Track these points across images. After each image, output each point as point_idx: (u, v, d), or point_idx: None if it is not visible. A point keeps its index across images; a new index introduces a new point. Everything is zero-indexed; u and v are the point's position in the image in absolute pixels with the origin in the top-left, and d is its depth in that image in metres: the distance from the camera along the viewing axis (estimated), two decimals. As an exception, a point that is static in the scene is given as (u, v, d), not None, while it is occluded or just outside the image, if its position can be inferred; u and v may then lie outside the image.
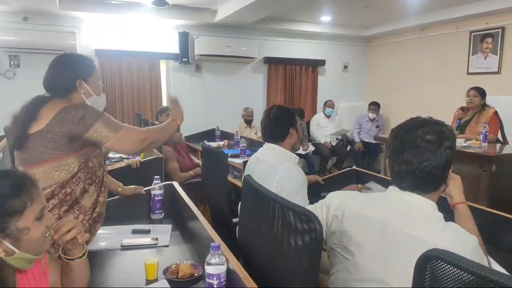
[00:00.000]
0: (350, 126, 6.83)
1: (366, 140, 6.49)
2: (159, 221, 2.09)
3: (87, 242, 1.69)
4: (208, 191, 2.75)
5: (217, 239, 1.37)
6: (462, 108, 4.02)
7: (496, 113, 3.88)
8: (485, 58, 5.35)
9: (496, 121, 3.84)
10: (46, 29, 5.32)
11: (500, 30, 5.16)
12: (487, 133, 3.66)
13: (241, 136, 4.72)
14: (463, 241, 1.08)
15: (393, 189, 1.25)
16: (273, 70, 6.90)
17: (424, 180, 1.16)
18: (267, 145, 2.10)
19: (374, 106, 6.65)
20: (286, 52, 6.92)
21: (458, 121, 3.99)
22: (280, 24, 6.43)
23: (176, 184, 2.27)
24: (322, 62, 7.17)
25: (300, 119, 2.13)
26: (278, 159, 1.97)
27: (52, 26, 5.38)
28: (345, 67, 7.57)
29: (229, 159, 3.94)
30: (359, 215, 1.26)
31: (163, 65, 6.28)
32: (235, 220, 2.28)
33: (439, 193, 1.23)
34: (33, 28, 5.29)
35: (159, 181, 2.13)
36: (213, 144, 4.97)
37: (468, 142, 3.67)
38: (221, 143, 5.00)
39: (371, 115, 6.63)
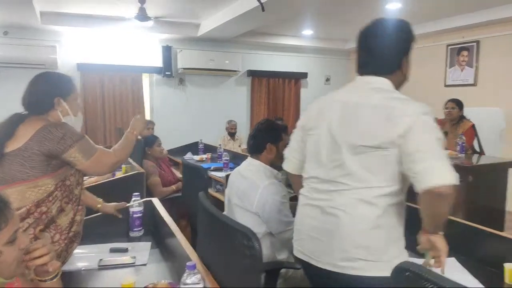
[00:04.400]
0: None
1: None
2: (139, 239, 2.07)
3: (63, 263, 1.67)
4: (188, 206, 2.74)
5: (194, 257, 1.37)
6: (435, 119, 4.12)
7: (473, 126, 3.98)
8: (462, 70, 5.51)
9: (472, 133, 3.95)
10: (26, 44, 5.28)
11: (475, 43, 5.33)
12: (464, 144, 3.76)
13: (224, 149, 4.72)
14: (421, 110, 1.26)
15: (357, 78, 1.46)
16: (256, 83, 6.96)
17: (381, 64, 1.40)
18: (249, 160, 2.11)
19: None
20: (269, 65, 7.00)
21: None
22: (263, 38, 6.51)
23: (156, 201, 2.25)
24: (304, 75, 7.27)
25: (286, 136, 2.13)
26: (259, 176, 1.97)
27: (33, 40, 5.34)
28: (327, 79, 7.68)
29: (212, 172, 3.94)
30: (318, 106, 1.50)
31: (146, 79, 6.27)
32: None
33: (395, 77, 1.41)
34: (14, 43, 5.24)
35: (138, 198, 2.12)
36: (196, 158, 4.96)
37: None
38: (204, 156, 4.99)
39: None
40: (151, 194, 3.38)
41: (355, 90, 1.44)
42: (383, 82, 1.39)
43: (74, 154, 1.56)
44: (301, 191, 1.52)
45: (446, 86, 5.73)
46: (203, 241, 1.60)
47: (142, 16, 4.33)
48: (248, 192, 1.94)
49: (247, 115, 7.01)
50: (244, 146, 6.26)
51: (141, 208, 2.09)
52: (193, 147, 5.57)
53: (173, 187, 3.57)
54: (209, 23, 5.52)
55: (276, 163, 2.03)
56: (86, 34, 5.65)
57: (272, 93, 7.11)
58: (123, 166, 3.57)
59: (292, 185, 1.73)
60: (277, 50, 6.97)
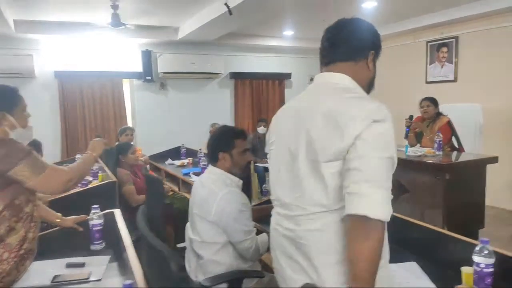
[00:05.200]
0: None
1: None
2: (99, 253, 2.02)
3: (14, 281, 1.63)
4: (150, 217, 2.70)
5: (138, 275, 1.33)
6: (410, 117, 4.11)
7: (449, 121, 3.97)
8: (442, 67, 5.51)
9: (448, 129, 3.93)
10: (2, 53, 5.20)
11: (454, 39, 5.33)
12: (441, 142, 3.74)
13: (204, 153, 4.67)
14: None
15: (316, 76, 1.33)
16: (239, 85, 6.93)
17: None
18: (210, 168, 2.07)
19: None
20: (252, 66, 6.97)
21: (407, 129, 4.09)
22: (244, 40, 6.48)
23: (117, 212, 2.21)
24: (288, 76, 7.25)
25: (243, 141, 2.07)
26: (217, 185, 1.93)
27: (8, 49, 5.28)
28: (311, 79, 7.60)
29: (191, 178, 3.91)
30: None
31: (126, 84, 6.21)
32: (181, 245, 2.24)
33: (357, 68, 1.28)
34: (-12, 52, 5.17)
35: (97, 210, 2.07)
36: (177, 163, 4.91)
37: (423, 151, 3.74)
38: (186, 161, 4.95)
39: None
40: (126, 202, 3.34)
41: (311, 93, 1.30)
42: (341, 79, 1.24)
43: (21, 172, 1.51)
44: (272, 211, 1.39)
45: (427, 82, 5.74)
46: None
47: (116, 22, 4.28)
48: (206, 201, 1.90)
49: (232, 118, 6.97)
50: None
51: (101, 221, 2.04)
52: (175, 152, 5.53)
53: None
54: (187, 26, 5.49)
55: (233, 171, 1.99)
56: (63, 42, 5.59)
57: (256, 94, 7.08)
58: (100, 174, 3.53)
59: None
60: (260, 51, 6.94)
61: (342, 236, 1.12)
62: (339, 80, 1.25)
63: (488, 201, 4.56)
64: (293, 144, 1.23)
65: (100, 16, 4.78)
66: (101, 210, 2.15)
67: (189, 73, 6.26)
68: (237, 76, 6.86)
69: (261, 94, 7.11)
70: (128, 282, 1.16)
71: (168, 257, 1.08)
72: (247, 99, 7.00)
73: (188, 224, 2.06)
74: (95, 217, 2.03)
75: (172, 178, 4.56)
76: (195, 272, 1.99)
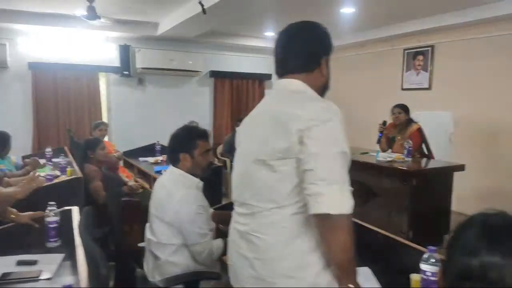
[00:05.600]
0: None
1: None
2: (54, 251, 1.98)
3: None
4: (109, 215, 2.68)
5: (83, 275, 1.31)
6: (384, 123, 4.19)
7: (419, 129, 4.05)
8: (417, 74, 5.61)
9: (418, 136, 4.01)
10: (-27, 41, 5.05)
11: (430, 48, 5.44)
12: (410, 148, 3.81)
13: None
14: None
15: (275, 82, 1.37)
16: (219, 84, 6.90)
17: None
18: (171, 169, 2.05)
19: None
20: (233, 66, 6.95)
21: (380, 134, 4.16)
22: (225, 39, 6.46)
23: (74, 210, 2.17)
24: (268, 76, 7.25)
25: (204, 142, 2.06)
26: (176, 185, 1.91)
27: (-20, 38, 5.12)
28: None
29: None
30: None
31: (103, 78, 6.11)
32: (142, 244, 2.22)
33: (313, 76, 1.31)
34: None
35: (54, 208, 2.02)
36: (151, 160, 4.86)
37: (393, 157, 3.80)
38: (160, 158, 4.89)
39: (317, 128, 6.75)
40: (93, 199, 3.28)
41: (269, 98, 1.38)
42: (297, 83, 1.28)
43: None
44: (232, 213, 1.42)
45: (403, 89, 5.83)
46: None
47: (91, 15, 4.20)
48: (163, 202, 1.89)
49: (210, 116, 6.94)
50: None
51: (57, 218, 1.99)
52: (150, 149, 5.46)
53: (117, 191, 3.46)
54: (167, 22, 5.43)
55: (194, 171, 1.98)
56: (38, 33, 5.46)
57: (236, 94, 7.07)
58: (68, 169, 3.46)
59: None
60: (241, 51, 6.93)
61: (291, 231, 1.18)
62: (292, 85, 1.30)
63: (456, 208, 4.67)
64: (249, 146, 1.30)
65: (76, 8, 4.68)
66: (67, 206, 2.11)
67: (168, 69, 6.20)
68: (217, 75, 6.83)
69: (241, 93, 7.10)
70: (68, 283, 1.13)
71: (97, 260, 1.06)
72: (227, 98, 6.98)
73: (147, 225, 2.04)
74: (51, 214, 1.98)
75: (145, 175, 4.51)
76: (152, 272, 1.97)
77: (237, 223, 1.34)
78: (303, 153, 1.11)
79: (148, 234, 2.00)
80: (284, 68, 1.33)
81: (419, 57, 5.59)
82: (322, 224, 1.10)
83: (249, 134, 1.33)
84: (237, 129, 1.46)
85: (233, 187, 1.38)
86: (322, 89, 1.36)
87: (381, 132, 4.20)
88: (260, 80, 7.23)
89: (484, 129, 4.75)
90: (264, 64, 7.23)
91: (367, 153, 4.26)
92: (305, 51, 1.31)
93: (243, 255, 1.28)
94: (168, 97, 6.50)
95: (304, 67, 1.30)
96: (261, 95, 7.27)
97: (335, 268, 1.16)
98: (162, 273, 1.89)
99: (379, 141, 4.26)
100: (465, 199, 4.83)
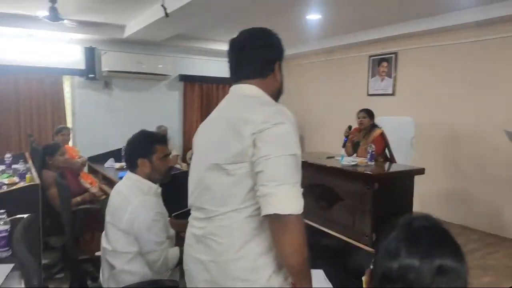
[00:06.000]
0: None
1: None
2: (3, 261, 1.90)
3: None
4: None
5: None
6: (349, 127, 4.28)
7: (382, 133, 4.15)
8: (382, 80, 5.77)
9: (381, 140, 4.12)
10: None
11: (394, 55, 5.60)
12: (373, 153, 3.90)
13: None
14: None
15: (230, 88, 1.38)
16: (189, 88, 6.85)
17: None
18: (128, 174, 2.01)
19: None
20: (202, 70, 6.92)
21: (345, 139, 4.25)
22: (195, 42, 6.42)
23: (29, 218, 2.09)
24: (238, 81, 7.26)
25: (163, 146, 2.04)
26: (132, 192, 1.88)
27: None
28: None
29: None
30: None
31: (67, 81, 5.94)
32: (99, 253, 2.16)
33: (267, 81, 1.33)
34: None
35: (4, 216, 1.95)
36: (117, 165, 4.75)
37: (356, 161, 3.88)
38: (125, 164, 4.79)
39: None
40: (51, 206, 3.17)
41: (224, 103, 1.37)
42: (251, 89, 1.30)
43: None
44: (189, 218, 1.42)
45: (368, 95, 5.98)
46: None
47: (54, 16, 4.08)
48: (119, 209, 1.84)
49: (180, 120, 6.87)
50: (175, 152, 6.13)
51: (7, 227, 1.91)
52: (116, 154, 5.34)
53: (78, 198, 3.37)
54: (133, 25, 5.35)
55: (153, 177, 1.95)
56: (-1, 33, 5.26)
57: (206, 98, 7.04)
58: (28, 176, 3.34)
59: None
60: (210, 55, 6.90)
61: (246, 234, 1.20)
62: (247, 90, 1.32)
63: (418, 209, 4.81)
64: (205, 151, 1.31)
65: (38, 9, 4.54)
66: (24, 214, 2.02)
67: (136, 73, 6.10)
68: (186, 79, 6.78)
69: (210, 98, 7.07)
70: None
71: (29, 272, 1.03)
72: (196, 103, 6.94)
73: (103, 233, 1.99)
74: (1, 223, 1.91)
75: (110, 181, 4.41)
76: (107, 282, 1.92)
77: (194, 227, 1.34)
78: (256, 156, 1.13)
79: (103, 243, 1.95)
80: (238, 75, 1.35)
81: (383, 64, 5.75)
82: (274, 225, 1.11)
83: (205, 140, 1.34)
84: (195, 135, 1.45)
85: (189, 192, 1.38)
86: (276, 94, 1.39)
87: (346, 136, 4.29)
88: (230, 84, 7.20)
89: (443, 134, 4.93)
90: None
91: (333, 157, 4.33)
92: (259, 57, 1.32)
93: (199, 259, 1.29)
94: (136, 101, 6.39)
95: (258, 73, 1.32)
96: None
97: (288, 272, 1.18)
98: (118, 282, 1.85)
99: (344, 146, 4.35)
100: (426, 201, 5.00)
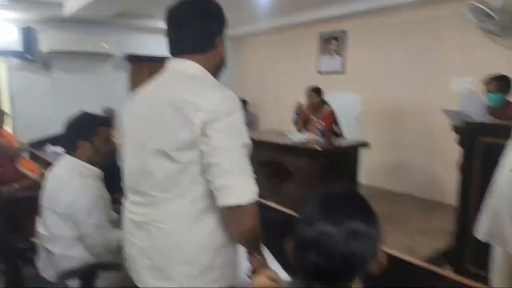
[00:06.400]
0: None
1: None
2: None
3: None
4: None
5: None
6: (299, 104, 4.35)
7: (331, 110, 4.25)
8: (332, 58, 5.86)
9: (330, 117, 4.22)
10: None
11: (342, 33, 5.69)
12: (323, 129, 3.99)
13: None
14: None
15: (167, 63, 1.29)
16: (136, 68, 6.60)
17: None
18: (65, 157, 1.92)
19: (242, 103, 6.85)
20: (151, 49, 6.66)
21: (296, 116, 4.31)
22: (141, 20, 6.16)
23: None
24: (189, 60, 7.10)
25: (106, 128, 1.96)
26: (70, 175, 1.79)
27: None
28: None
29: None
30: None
31: (3, 64, 5.52)
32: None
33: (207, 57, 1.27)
34: None
35: None
36: (60, 150, 4.52)
37: (306, 138, 3.95)
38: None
39: (241, 113, 6.81)
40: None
41: (161, 81, 1.27)
42: (192, 67, 1.23)
43: None
44: (123, 201, 1.36)
45: (319, 73, 6.06)
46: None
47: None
48: (56, 192, 1.76)
49: (129, 102, 6.62)
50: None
51: None
52: (60, 139, 5.08)
53: (15, 185, 3.19)
54: (72, 2, 5.02)
55: (95, 159, 1.88)
56: None
57: (155, 79, 6.82)
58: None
59: None
60: (159, 33, 6.65)
61: (190, 218, 1.19)
62: (188, 67, 1.24)
63: (365, 182, 5.03)
64: (143, 133, 1.23)
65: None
66: None
67: (78, 52, 5.77)
68: (133, 59, 6.51)
69: (161, 78, 6.86)
70: None
71: None
72: (145, 83, 6.69)
73: (39, 219, 1.90)
74: None
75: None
76: (46, 269, 1.84)
77: (132, 213, 1.29)
78: (207, 146, 1.11)
79: (40, 229, 1.86)
80: (178, 49, 1.27)
81: (333, 42, 5.83)
82: (232, 213, 1.13)
83: (142, 121, 1.24)
84: (122, 115, 1.35)
85: (126, 174, 1.32)
86: (218, 69, 1.34)
87: (297, 114, 4.35)
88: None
89: (388, 109, 5.14)
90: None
91: (284, 134, 4.39)
92: (199, 30, 1.24)
93: (140, 246, 1.26)
94: (80, 83, 6.07)
95: (199, 47, 1.25)
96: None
97: (244, 246, 1.26)
98: (57, 269, 1.78)
99: (295, 123, 4.41)
100: (373, 173, 5.23)
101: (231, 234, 1.24)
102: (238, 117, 1.14)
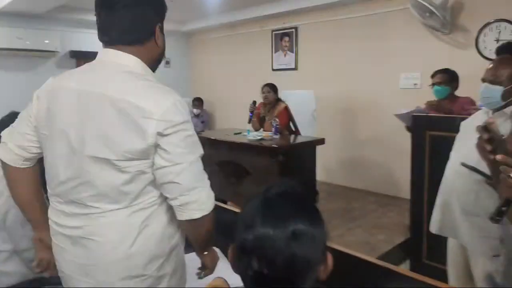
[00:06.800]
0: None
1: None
2: None
3: None
4: None
5: None
6: (254, 103, 4.30)
7: (286, 107, 4.25)
8: (285, 55, 5.88)
9: (285, 114, 4.21)
10: None
11: (294, 30, 5.71)
12: (278, 126, 3.97)
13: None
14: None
15: (100, 52, 1.17)
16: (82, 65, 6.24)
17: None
18: None
19: (198, 102, 6.75)
20: (97, 45, 6.32)
21: (251, 114, 4.27)
22: (85, 15, 5.81)
23: None
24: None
25: None
26: (1, 179, 1.62)
27: None
28: (167, 62, 7.38)
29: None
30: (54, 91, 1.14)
31: None
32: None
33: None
34: None
35: None
36: None
37: (261, 135, 3.92)
38: None
39: (196, 111, 6.67)
40: None
41: (95, 73, 1.12)
42: (130, 61, 1.11)
43: None
44: (49, 213, 1.20)
45: (273, 70, 6.06)
46: None
47: None
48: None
49: (75, 102, 6.26)
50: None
51: None
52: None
53: None
54: (6, -7, 4.65)
55: None
56: None
57: (104, 77, 6.49)
58: None
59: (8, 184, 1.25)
60: (106, 29, 6.35)
61: (135, 228, 1.10)
62: (127, 62, 1.12)
63: (322, 178, 5.09)
64: (76, 136, 1.06)
65: None
66: None
67: (16, 49, 5.35)
68: (79, 55, 6.14)
69: (110, 76, 6.55)
70: None
71: None
72: (94, 82, 6.37)
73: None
74: None
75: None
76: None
77: (64, 226, 1.14)
78: (163, 160, 1.04)
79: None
80: (110, 37, 1.13)
81: (285, 39, 5.84)
82: (192, 224, 1.11)
83: (73, 119, 1.07)
84: (38, 104, 1.16)
85: (55, 181, 1.14)
86: (156, 62, 1.22)
87: (251, 112, 4.29)
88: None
89: (342, 105, 5.23)
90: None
91: (240, 133, 4.33)
92: (135, 16, 1.11)
93: (78, 264, 1.13)
94: (20, 83, 5.64)
95: (135, 39, 1.12)
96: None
97: (196, 246, 1.25)
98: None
99: (250, 121, 4.36)
100: (330, 170, 5.31)
101: (189, 240, 1.22)
102: (190, 126, 1.08)
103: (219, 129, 6.80)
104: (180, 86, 7.52)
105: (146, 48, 1.15)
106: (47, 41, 5.63)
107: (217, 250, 1.64)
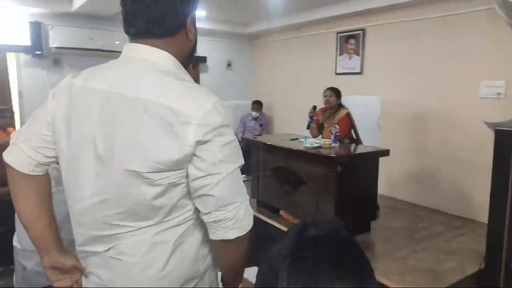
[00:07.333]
0: (236, 125, 6.71)
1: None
2: None
3: None
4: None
5: None
6: (314, 108, 4.06)
7: (348, 114, 3.97)
8: (350, 58, 5.56)
9: (347, 121, 3.94)
10: None
11: (361, 32, 5.39)
12: (337, 134, 3.71)
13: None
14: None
15: (126, 48, 1.04)
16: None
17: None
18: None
19: (257, 105, 6.65)
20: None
21: (310, 120, 4.04)
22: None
23: None
24: (203, 59, 6.91)
25: None
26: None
27: None
28: (229, 64, 7.41)
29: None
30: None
31: (12, 59, 5.44)
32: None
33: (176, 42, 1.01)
34: None
35: None
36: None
37: (319, 143, 3.69)
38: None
39: (254, 114, 6.60)
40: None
41: (125, 72, 0.97)
42: (162, 58, 0.98)
43: None
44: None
45: (336, 74, 5.77)
46: None
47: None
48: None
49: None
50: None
51: None
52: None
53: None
54: (81, -4, 4.90)
55: None
56: None
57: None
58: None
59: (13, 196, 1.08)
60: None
61: (169, 246, 0.97)
62: (159, 59, 0.98)
63: (386, 192, 4.72)
64: (103, 144, 0.93)
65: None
66: None
67: (88, 49, 5.64)
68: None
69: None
70: None
71: None
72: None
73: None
74: None
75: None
76: (20, 284, 1.66)
77: (86, 252, 1.04)
78: (199, 170, 0.90)
79: (14, 241, 1.68)
80: (137, 28, 0.99)
81: (351, 41, 5.53)
82: (226, 245, 0.97)
83: (100, 124, 0.94)
84: (56, 105, 1.03)
85: (70, 193, 1.03)
86: (188, 58, 1.07)
87: (311, 117, 4.07)
88: (194, 63, 6.87)
89: (411, 113, 4.80)
90: (198, 46, 6.86)
91: (296, 139, 4.14)
92: (163, 9, 0.96)
93: (100, 286, 1.02)
94: (90, 81, 5.95)
95: (165, 31, 0.98)
96: (196, 79, 6.92)
97: (227, 273, 1.12)
98: (30, 285, 1.59)
99: (309, 127, 4.14)
100: (394, 183, 4.91)
101: (219, 264, 1.08)
102: (231, 130, 0.94)
103: (277, 134, 6.65)
104: (241, 89, 7.52)
105: (176, 41, 1.01)
106: (117, 42, 5.86)
107: (254, 269, 1.48)
